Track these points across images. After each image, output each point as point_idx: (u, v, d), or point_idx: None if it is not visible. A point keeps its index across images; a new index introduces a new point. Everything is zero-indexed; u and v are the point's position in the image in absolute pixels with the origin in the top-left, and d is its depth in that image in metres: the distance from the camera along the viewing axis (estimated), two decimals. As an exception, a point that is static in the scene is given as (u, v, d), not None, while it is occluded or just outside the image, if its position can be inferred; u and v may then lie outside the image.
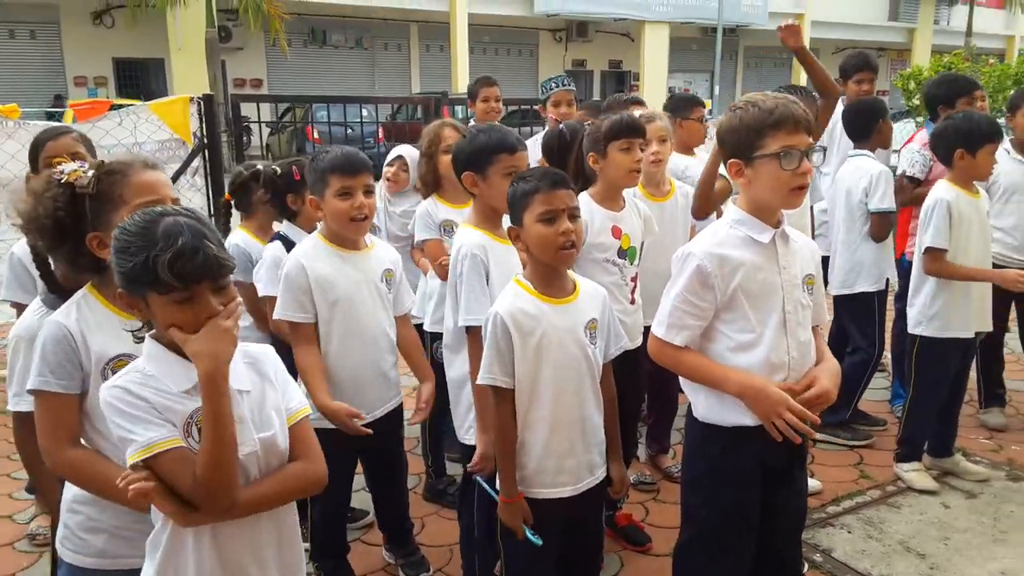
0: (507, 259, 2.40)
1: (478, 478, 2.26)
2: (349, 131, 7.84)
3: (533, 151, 3.12)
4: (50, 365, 1.64)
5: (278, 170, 2.90)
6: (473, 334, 2.32)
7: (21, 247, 2.43)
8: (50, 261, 1.82)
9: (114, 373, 1.64)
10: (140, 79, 20.08)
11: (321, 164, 2.46)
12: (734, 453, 2.02)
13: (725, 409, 2.00)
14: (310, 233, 2.85)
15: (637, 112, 3.16)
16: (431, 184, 3.21)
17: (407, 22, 23.34)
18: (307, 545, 2.62)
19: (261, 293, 2.76)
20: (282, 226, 2.96)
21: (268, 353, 1.63)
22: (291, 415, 1.59)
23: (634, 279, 2.85)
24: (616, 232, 2.77)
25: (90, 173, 1.69)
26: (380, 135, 10.44)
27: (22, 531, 3.08)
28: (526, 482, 2.07)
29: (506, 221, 2.35)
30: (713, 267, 1.95)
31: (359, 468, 2.78)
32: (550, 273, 2.08)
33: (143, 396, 1.42)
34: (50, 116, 12.44)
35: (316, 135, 13.29)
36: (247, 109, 6.12)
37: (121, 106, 5.43)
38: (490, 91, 4.37)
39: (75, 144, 2.52)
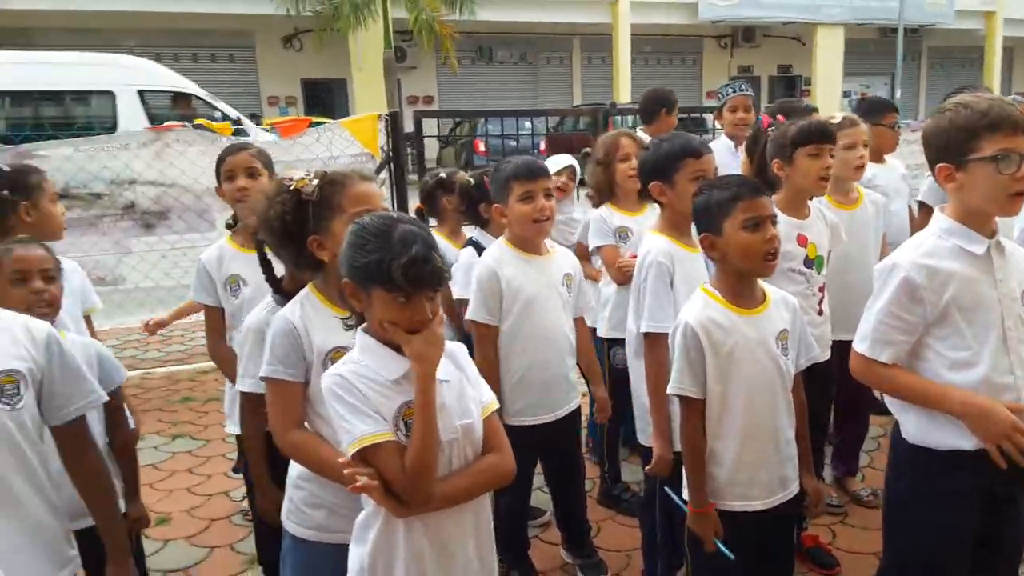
0: (693, 266, 2.41)
1: (666, 488, 2.27)
2: (514, 143, 8.06)
3: None
4: (279, 356, 1.83)
5: (471, 180, 3.07)
6: (652, 341, 2.35)
7: (207, 255, 2.70)
8: (272, 265, 2.04)
9: (333, 363, 1.82)
10: (325, 98, 21.59)
11: (503, 173, 2.59)
12: (949, 477, 1.89)
13: (940, 431, 1.88)
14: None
15: (838, 116, 3.06)
16: (605, 192, 3.25)
17: (570, 36, 23.61)
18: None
19: (455, 295, 2.92)
20: (474, 232, 3.13)
21: (462, 349, 1.74)
22: (484, 408, 1.68)
23: (821, 289, 2.76)
24: (802, 240, 2.70)
25: (314, 182, 1.87)
26: (543, 147, 10.69)
27: (236, 507, 3.43)
28: (717, 494, 2.05)
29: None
30: (922, 279, 1.85)
31: (538, 468, 2.87)
32: (741, 282, 2.05)
33: (359, 388, 1.54)
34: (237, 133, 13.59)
35: (483, 147, 13.76)
36: (425, 124, 6.47)
37: (318, 123, 5.88)
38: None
39: (252, 160, 2.67)
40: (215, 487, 3.66)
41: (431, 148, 11.87)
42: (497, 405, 1.72)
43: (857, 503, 3.35)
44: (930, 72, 27.68)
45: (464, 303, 2.77)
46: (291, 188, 1.87)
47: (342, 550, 1.83)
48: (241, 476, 3.50)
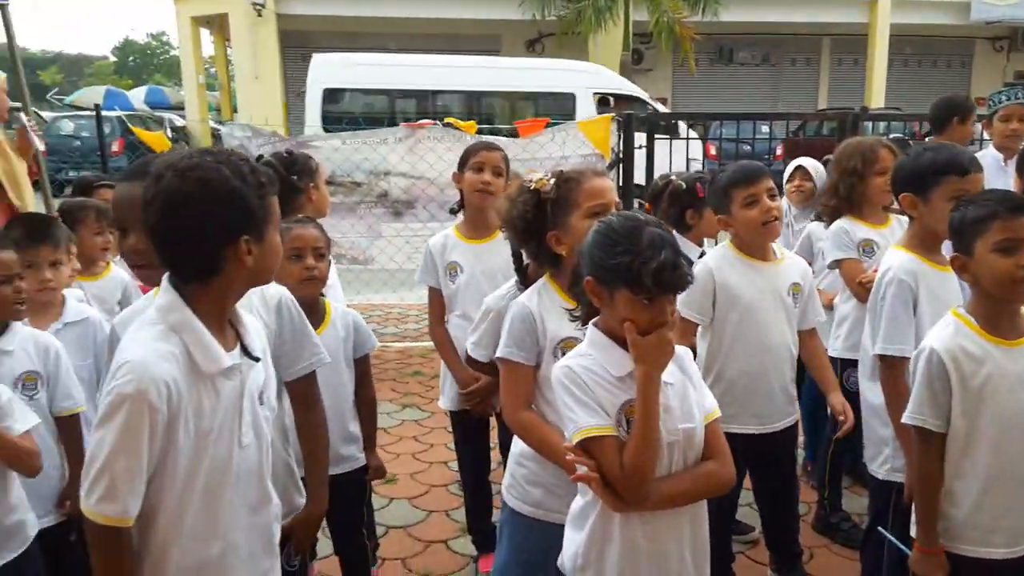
0: (943, 287, 2.23)
1: (881, 529, 2.13)
2: (746, 148, 7.79)
3: None
4: (515, 339, 1.96)
5: (683, 184, 3.04)
6: (888, 364, 2.20)
7: (434, 241, 2.89)
8: (523, 256, 2.17)
9: (563, 353, 1.91)
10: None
11: (720, 182, 2.57)
12: None
13: None
14: (697, 246, 2.97)
15: None
16: (850, 204, 3.06)
17: (820, 36, 22.29)
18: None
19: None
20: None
21: (688, 353, 1.74)
22: (707, 414, 1.68)
23: None
24: None
25: (552, 181, 1.98)
26: (779, 152, 10.19)
27: (454, 477, 3.67)
28: (949, 534, 1.89)
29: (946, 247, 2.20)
30: None
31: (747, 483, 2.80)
32: (1001, 309, 1.87)
33: (587, 382, 1.60)
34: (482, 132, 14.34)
35: (714, 151, 13.40)
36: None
37: (554, 124, 6.11)
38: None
39: (500, 161, 2.81)
40: (436, 456, 3.96)
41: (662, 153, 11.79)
42: (719, 413, 1.71)
43: None
44: None
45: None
46: (531, 188, 2.00)
47: (556, 529, 1.91)
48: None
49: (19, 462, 1.94)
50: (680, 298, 2.53)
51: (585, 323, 1.72)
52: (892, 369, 2.19)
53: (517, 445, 2.04)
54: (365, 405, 2.46)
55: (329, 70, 12.83)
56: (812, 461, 3.51)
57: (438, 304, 2.92)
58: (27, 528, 2.01)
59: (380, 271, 6.10)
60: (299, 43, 21.30)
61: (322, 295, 2.38)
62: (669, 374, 1.62)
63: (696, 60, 19.36)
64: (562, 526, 1.93)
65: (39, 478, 2.02)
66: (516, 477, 2.04)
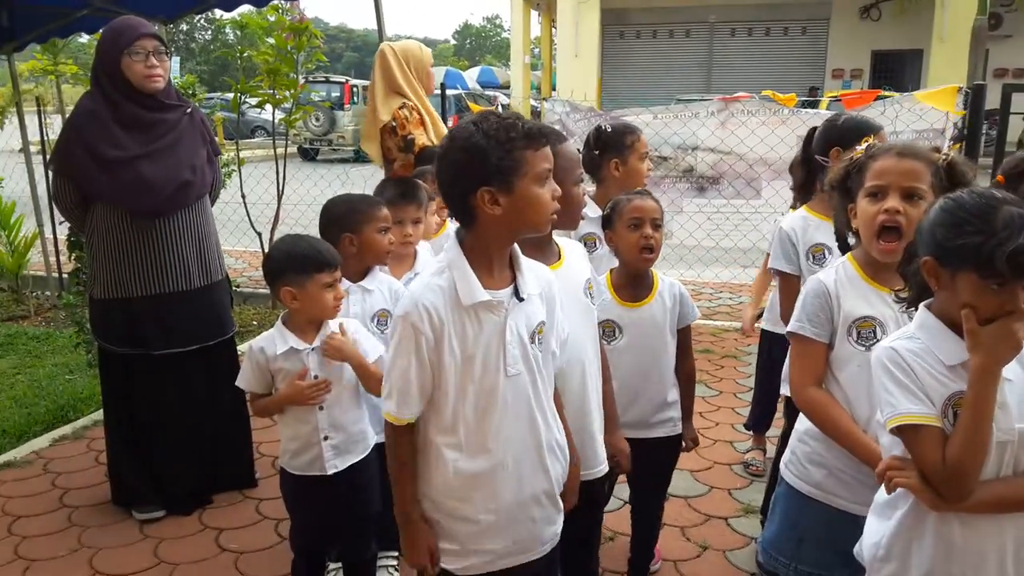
0: None
1: None
2: None
3: None
4: (808, 314, 1.91)
5: None
6: None
7: (790, 223, 2.72)
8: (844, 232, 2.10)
9: (858, 333, 1.85)
10: (895, 70, 20.12)
11: None
12: None
13: None
14: None
15: None
16: None
17: None
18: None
19: None
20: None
21: None
22: None
23: None
24: None
25: (859, 148, 1.93)
26: None
27: (738, 458, 3.66)
28: None
29: None
30: None
31: None
32: None
33: (912, 367, 1.48)
34: (806, 104, 13.54)
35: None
36: (995, 101, 5.63)
37: (884, 97, 5.62)
38: None
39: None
40: (720, 434, 3.95)
41: (1015, 128, 10.20)
42: None
43: None
44: None
45: None
46: (852, 157, 1.92)
47: (833, 513, 1.90)
48: (750, 433, 3.74)
49: (370, 383, 2.34)
50: None
51: (911, 306, 1.62)
52: None
53: (803, 422, 2.00)
54: (685, 376, 2.53)
55: None
56: None
57: (795, 290, 2.59)
58: (369, 438, 2.43)
59: (678, 247, 6.14)
60: (617, 21, 21.80)
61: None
62: (1009, 369, 1.47)
63: (1077, 21, 16.35)
64: (840, 511, 1.89)
65: (379, 400, 2.42)
66: (797, 454, 2.01)
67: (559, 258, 2.03)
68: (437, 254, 1.81)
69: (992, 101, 5.57)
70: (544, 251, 2.00)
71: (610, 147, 2.92)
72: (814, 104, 13.10)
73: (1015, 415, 1.46)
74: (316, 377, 2.30)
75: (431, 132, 3.99)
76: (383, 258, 2.58)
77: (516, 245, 1.73)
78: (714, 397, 4.44)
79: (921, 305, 1.57)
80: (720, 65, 22.08)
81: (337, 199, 2.61)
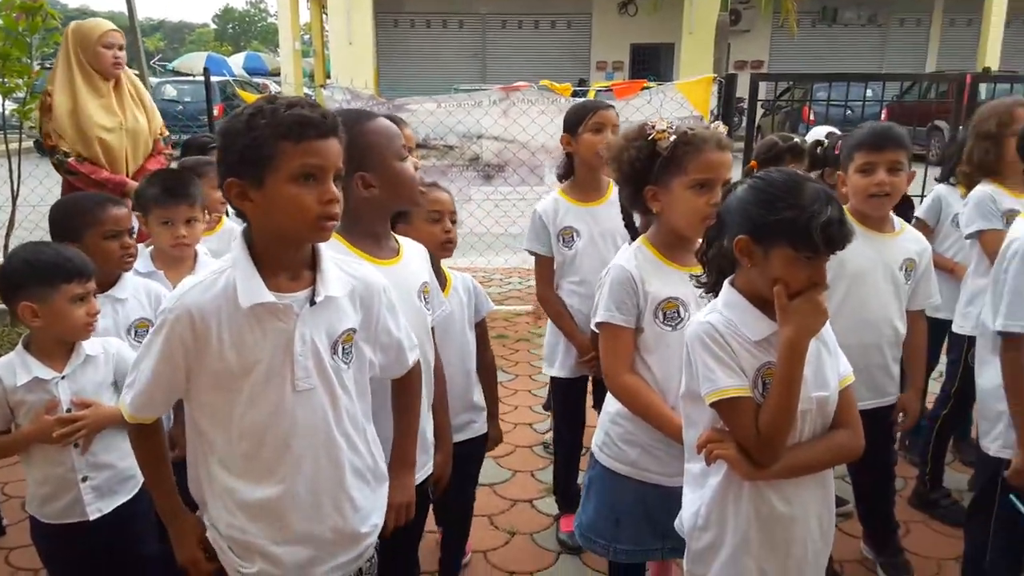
0: None
1: (1013, 497, 2.03)
2: (848, 112, 7.39)
3: None
4: (616, 301, 1.93)
5: (825, 142, 2.92)
6: (1010, 341, 2.08)
7: (543, 206, 2.81)
8: (632, 214, 2.12)
9: (664, 314, 1.89)
10: (651, 62, 21.70)
11: (851, 139, 2.45)
12: None
13: None
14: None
15: None
16: (986, 169, 2.86)
17: (933, -6, 21.01)
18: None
19: None
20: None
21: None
22: (842, 379, 1.61)
23: None
24: None
25: (672, 138, 1.89)
26: (883, 116, 9.64)
27: (539, 439, 3.72)
28: None
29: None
30: None
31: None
32: None
33: (728, 341, 1.53)
34: (577, 95, 14.18)
35: (812, 116, 12.81)
36: (743, 89, 6.23)
37: (648, 87, 5.98)
38: None
39: (616, 119, 2.76)
40: (520, 418, 4.00)
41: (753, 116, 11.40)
42: (853, 378, 1.65)
43: None
44: None
45: None
46: (649, 137, 1.91)
47: (648, 488, 1.95)
48: (548, 413, 3.81)
49: None
50: None
51: (711, 291, 1.66)
52: (1014, 346, 2.08)
53: (613, 405, 2.03)
54: (486, 368, 2.45)
55: None
56: (914, 436, 3.38)
57: (548, 270, 2.87)
58: (139, 474, 2.03)
59: (468, 235, 6.15)
60: (391, 9, 21.54)
61: None
62: None
63: (797, 21, 18.54)
64: (654, 486, 1.94)
65: None
66: (612, 436, 2.03)
67: (396, 255, 1.87)
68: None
69: (745, 90, 6.10)
70: (380, 245, 1.84)
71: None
72: (584, 94, 13.76)
73: (812, 384, 1.55)
74: (69, 411, 1.96)
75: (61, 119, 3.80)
76: (117, 265, 2.26)
77: (321, 244, 1.54)
78: (511, 381, 4.49)
79: (726, 283, 1.62)
80: (494, 56, 22.60)
81: (60, 202, 2.31)
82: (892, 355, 2.49)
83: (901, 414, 2.53)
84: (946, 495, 3.08)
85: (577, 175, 2.86)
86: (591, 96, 11.77)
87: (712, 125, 1.98)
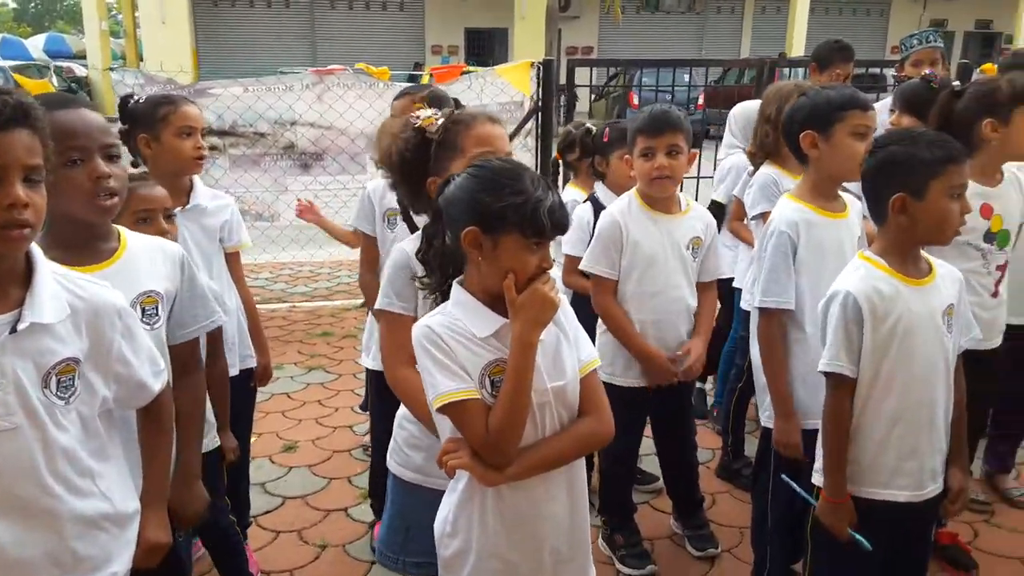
0: (831, 234, 2.20)
1: (785, 477, 2.10)
2: (670, 97, 7.71)
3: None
4: (395, 288, 1.80)
5: (592, 129, 2.94)
6: (766, 316, 2.21)
7: (374, 185, 2.72)
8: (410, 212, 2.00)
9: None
10: (486, 47, 21.76)
11: (633, 125, 2.50)
12: None
13: None
14: (618, 196, 2.90)
15: None
16: (772, 151, 2.95)
17: (744, -16, 22.39)
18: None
19: (564, 252, 2.84)
20: (597, 188, 3.01)
21: (564, 302, 1.61)
22: (583, 366, 1.58)
23: (1001, 268, 2.44)
24: (986, 211, 2.37)
25: (440, 121, 1.80)
26: (701, 101, 10.11)
27: (358, 441, 3.55)
28: (855, 479, 1.86)
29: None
30: None
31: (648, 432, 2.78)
32: (911, 251, 1.85)
33: (448, 343, 1.47)
34: (411, 79, 13.95)
35: (636, 100, 13.32)
36: (579, 74, 6.31)
37: (470, 71, 5.90)
38: (846, 68, 3.81)
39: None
40: (341, 420, 3.82)
41: (585, 100, 11.67)
42: (598, 362, 1.63)
43: (1006, 502, 3.04)
44: None
45: (569, 260, 2.79)
46: (416, 126, 1.82)
47: (437, 495, 1.78)
48: (367, 413, 3.65)
49: None
50: (588, 257, 2.55)
51: (435, 292, 1.60)
52: (769, 320, 2.20)
53: (402, 407, 1.91)
54: (217, 378, 2.11)
55: None
56: (719, 407, 3.52)
57: (372, 252, 2.72)
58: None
59: (288, 227, 5.82)
60: (210, -13, 20.28)
61: None
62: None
63: (623, 8, 19.19)
64: (442, 492, 1.84)
65: None
66: (398, 441, 1.91)
67: (112, 256, 1.63)
68: None
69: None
70: (91, 247, 1.60)
71: (140, 122, 2.38)
72: (419, 79, 13.56)
73: (549, 374, 1.51)
74: None
75: None
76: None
77: (40, 259, 1.30)
78: (333, 381, 4.29)
79: (455, 284, 1.56)
80: (325, 39, 21.85)
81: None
82: (687, 330, 2.57)
83: (680, 353, 2.53)
84: (747, 464, 3.21)
85: None
86: (423, 81, 11.61)
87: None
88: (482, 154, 1.75)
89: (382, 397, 2.81)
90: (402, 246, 1.85)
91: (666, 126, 2.42)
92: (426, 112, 1.81)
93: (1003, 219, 2.41)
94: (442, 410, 1.47)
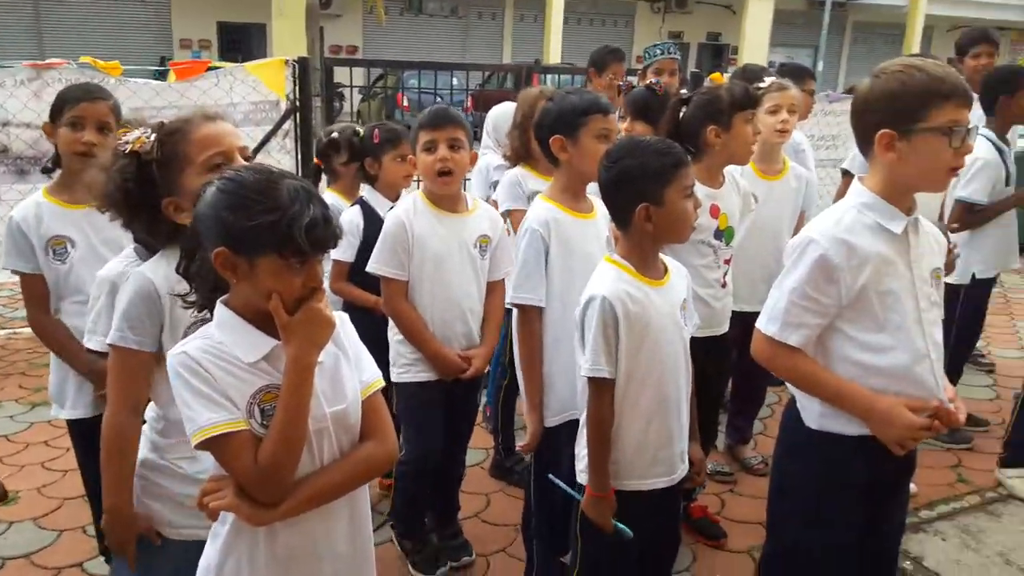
0: (581, 233, 2.29)
1: (552, 476, 2.13)
2: (438, 99, 7.77)
3: None
4: (131, 320, 1.60)
5: (360, 132, 2.87)
6: (521, 313, 2.29)
7: (20, 213, 2.26)
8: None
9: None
10: (242, 43, 20.61)
11: (417, 122, 2.51)
12: (848, 465, 1.79)
13: (846, 418, 1.77)
14: (389, 199, 2.84)
15: (766, 80, 3.05)
16: (522, 155, 3.05)
17: (502, -9, 23.20)
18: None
19: (335, 258, 2.72)
20: (364, 191, 2.93)
21: (344, 321, 1.50)
22: (365, 387, 1.47)
23: (727, 261, 2.67)
24: (714, 211, 2.59)
25: (152, 137, 1.61)
26: (468, 103, 10.35)
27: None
28: (617, 475, 1.92)
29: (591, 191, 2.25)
30: (840, 258, 1.70)
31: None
32: (652, 253, 1.94)
33: (209, 370, 1.32)
34: (157, 76, 12.84)
35: (406, 102, 13.31)
36: (340, 74, 6.12)
37: (217, 67, 5.48)
38: (620, 68, 4.13)
39: (109, 113, 2.33)
40: (72, 462, 3.31)
41: (353, 101, 11.43)
42: (381, 383, 1.51)
43: (747, 471, 3.37)
44: (853, 46, 28.30)
45: (338, 266, 2.72)
46: (127, 152, 1.60)
47: (192, 547, 1.57)
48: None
49: None
50: (374, 259, 2.45)
51: (202, 309, 1.42)
52: (524, 317, 2.28)
53: (142, 450, 1.70)
54: None
55: None
56: (492, 407, 3.54)
57: (41, 291, 2.28)
58: None
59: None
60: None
61: None
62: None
63: (386, 9, 19.04)
64: (198, 543, 1.64)
65: None
66: (135, 491, 1.69)
67: None
68: None
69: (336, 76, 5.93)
70: None
71: None
72: (164, 75, 12.51)
73: (327, 399, 1.40)
74: None
75: None
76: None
77: None
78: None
79: (219, 302, 1.39)
80: (54, 31, 19.54)
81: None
82: (474, 327, 2.57)
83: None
84: (519, 460, 3.27)
85: (64, 173, 2.37)
86: (171, 78, 10.73)
87: None
88: (214, 156, 1.59)
89: (91, 447, 2.45)
90: (143, 271, 1.64)
91: (447, 121, 2.46)
92: (134, 133, 1.60)
93: (728, 217, 2.63)
94: (202, 445, 1.30)
